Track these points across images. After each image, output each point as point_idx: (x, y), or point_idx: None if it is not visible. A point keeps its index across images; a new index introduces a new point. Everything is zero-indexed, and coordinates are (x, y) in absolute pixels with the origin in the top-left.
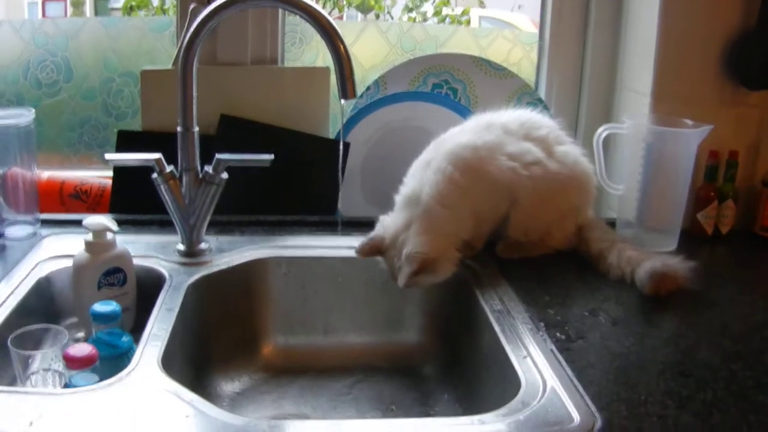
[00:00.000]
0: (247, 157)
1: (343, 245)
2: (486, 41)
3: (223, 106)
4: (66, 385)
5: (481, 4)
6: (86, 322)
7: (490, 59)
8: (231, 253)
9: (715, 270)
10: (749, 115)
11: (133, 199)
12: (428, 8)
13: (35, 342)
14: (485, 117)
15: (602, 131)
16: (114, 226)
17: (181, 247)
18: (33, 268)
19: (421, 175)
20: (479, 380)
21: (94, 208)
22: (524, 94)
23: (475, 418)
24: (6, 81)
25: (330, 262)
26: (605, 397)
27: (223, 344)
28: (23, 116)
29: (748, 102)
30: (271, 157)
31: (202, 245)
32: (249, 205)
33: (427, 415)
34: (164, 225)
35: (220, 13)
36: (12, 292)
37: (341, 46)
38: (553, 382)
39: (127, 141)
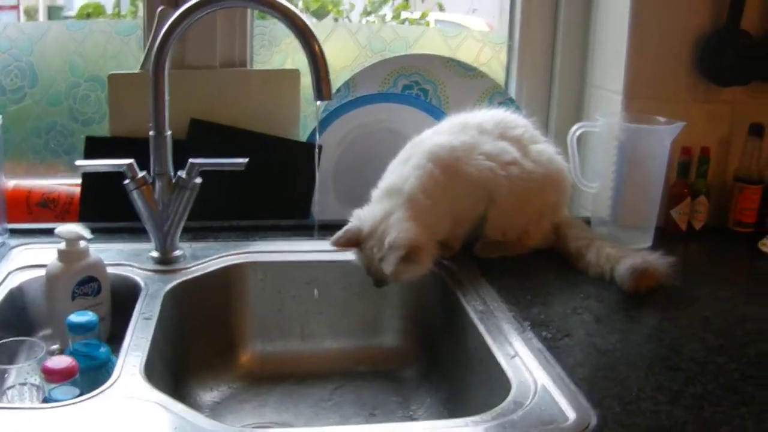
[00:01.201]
0: (221, 162)
1: (319, 249)
2: (455, 42)
3: (192, 110)
4: (45, 400)
5: (441, 8)
6: (61, 334)
7: (460, 60)
8: (206, 259)
9: (691, 266)
10: (720, 111)
11: (103, 207)
12: (387, 12)
13: (10, 355)
14: (459, 117)
15: (576, 129)
16: (87, 234)
17: (154, 254)
18: (3, 280)
19: (400, 170)
20: (464, 382)
21: (63, 217)
22: (495, 94)
23: (469, 419)
24: None
25: (306, 267)
26: (597, 394)
27: (201, 353)
28: None
29: (718, 98)
30: (245, 160)
31: (177, 252)
32: (221, 211)
33: (411, 419)
34: (136, 232)
35: (192, 14)
36: None
37: (316, 47)
38: (543, 380)
39: (95, 147)
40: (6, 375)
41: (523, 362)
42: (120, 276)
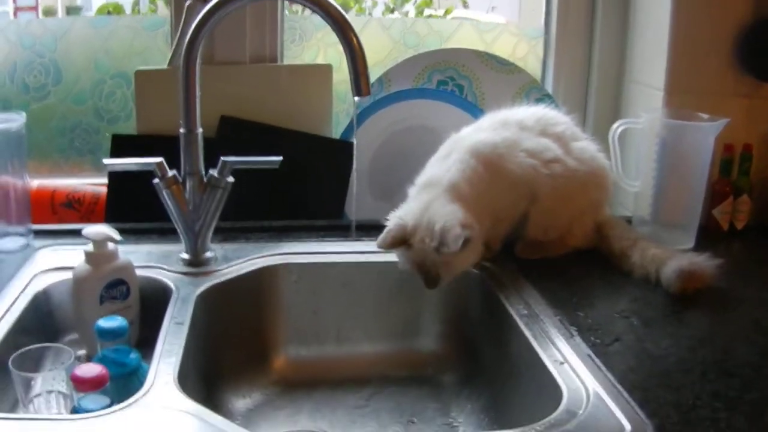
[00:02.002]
0: (255, 160)
1: (354, 250)
2: (491, 36)
3: (221, 107)
4: (74, 410)
5: (465, 4)
6: (88, 339)
7: (497, 54)
8: (238, 261)
9: (736, 267)
10: (761, 106)
11: (131, 207)
12: (410, 9)
13: (36, 362)
14: (500, 114)
15: (618, 126)
16: (116, 236)
17: (185, 256)
18: (28, 283)
19: (440, 165)
20: (508, 389)
21: (88, 217)
22: (532, 90)
23: (524, 429)
24: None
25: (342, 268)
26: (652, 402)
27: (234, 358)
28: (14, 121)
29: (760, 94)
30: (280, 159)
31: (208, 254)
32: (252, 211)
33: (451, 427)
34: (165, 233)
35: (224, 8)
36: (8, 309)
37: (355, 40)
38: (595, 388)
39: (122, 145)
40: (32, 383)
41: (572, 369)
42: (149, 279)
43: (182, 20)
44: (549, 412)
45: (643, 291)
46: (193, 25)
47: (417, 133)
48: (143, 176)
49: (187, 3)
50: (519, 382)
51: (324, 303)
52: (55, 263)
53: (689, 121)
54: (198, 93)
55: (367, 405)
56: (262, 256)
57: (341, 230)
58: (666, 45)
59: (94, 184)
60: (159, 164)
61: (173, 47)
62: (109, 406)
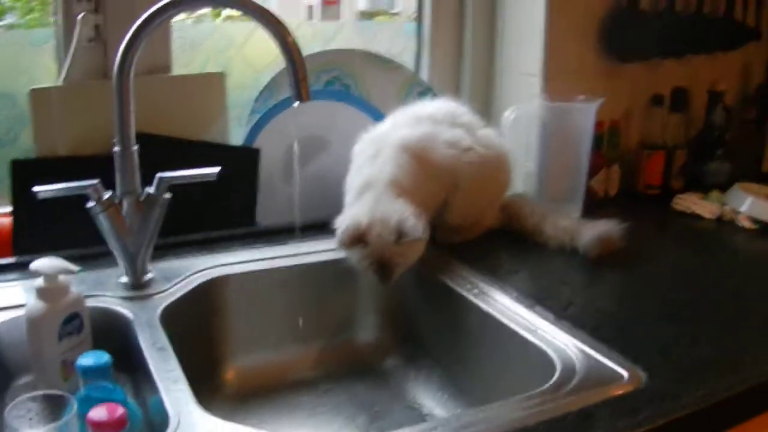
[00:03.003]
0: (191, 173)
1: (284, 254)
2: (369, 34)
3: None
4: None
5: None
6: (49, 380)
7: (378, 53)
8: (178, 279)
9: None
10: (623, 85)
11: (42, 236)
12: None
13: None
14: (409, 110)
15: (510, 113)
16: (73, 267)
17: (124, 280)
18: None
19: (372, 165)
20: (470, 364)
21: None
22: (414, 84)
23: (543, 395)
24: None
25: (275, 273)
26: (631, 350)
27: (192, 375)
28: None
29: (621, 74)
30: (217, 170)
31: (149, 275)
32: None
33: (412, 408)
34: (89, 259)
35: (160, 16)
36: None
37: (294, 47)
38: (579, 347)
39: (23, 172)
40: None
41: (549, 334)
42: (97, 308)
43: (76, 33)
44: (541, 377)
45: (566, 258)
46: (129, 34)
47: (315, 133)
48: (51, 202)
49: (80, 15)
50: (486, 355)
51: (267, 307)
52: None
53: (572, 103)
54: (132, 107)
55: (326, 402)
56: (199, 272)
57: (260, 236)
58: (541, 34)
59: None
60: (94, 187)
61: (68, 62)
62: None
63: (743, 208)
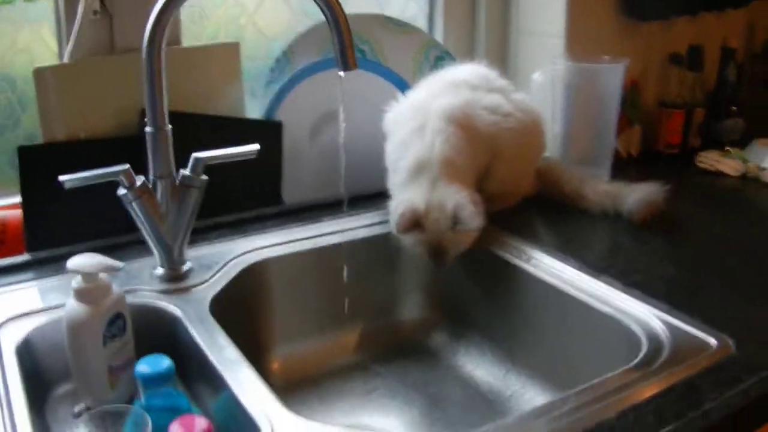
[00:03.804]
0: (231, 152)
1: (322, 233)
2: None
3: (131, 99)
4: None
5: None
6: (93, 389)
7: (393, 18)
8: (215, 267)
9: None
10: (640, 45)
11: (55, 229)
12: None
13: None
14: (445, 76)
15: (539, 76)
16: (117, 264)
17: (160, 271)
18: None
19: (419, 142)
20: (539, 340)
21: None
22: (431, 48)
23: (643, 368)
24: None
25: (314, 253)
26: (713, 318)
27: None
28: None
29: (639, 33)
30: (257, 147)
31: (187, 265)
32: None
33: (477, 391)
34: (114, 250)
35: None
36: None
37: (342, 15)
38: (659, 317)
39: (32, 159)
40: None
41: (624, 305)
42: (138, 305)
43: (81, 6)
44: (625, 351)
45: (609, 224)
46: (158, 6)
47: (333, 101)
48: (65, 192)
49: None
50: (548, 326)
51: (305, 293)
52: (10, 311)
53: (599, 64)
54: (164, 83)
55: (378, 386)
56: (237, 257)
57: (289, 215)
58: None
59: None
60: (126, 172)
61: (72, 37)
62: None
63: (767, 164)
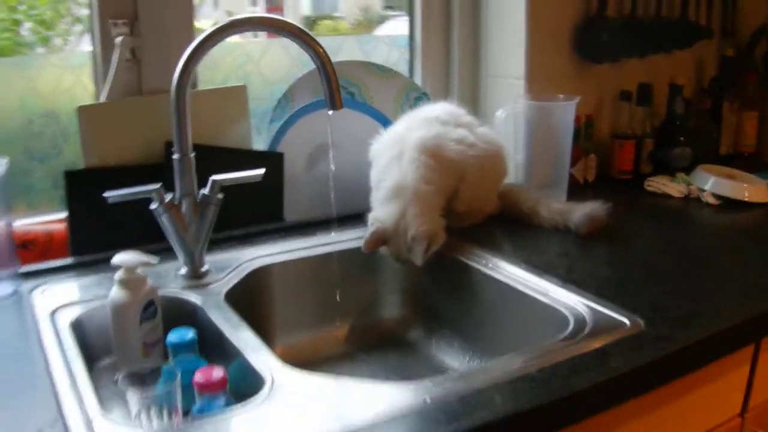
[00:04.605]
0: (240, 175)
1: (316, 244)
2: (368, 47)
3: (158, 133)
4: (200, 410)
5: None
6: (130, 360)
7: (376, 63)
8: (229, 269)
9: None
10: (594, 84)
11: (93, 238)
12: None
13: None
14: (420, 113)
15: (501, 113)
16: (153, 259)
17: (183, 271)
18: (51, 319)
19: (397, 169)
20: (488, 327)
21: (45, 255)
22: (411, 90)
23: (567, 339)
24: None
25: (311, 261)
26: (629, 304)
27: None
28: None
29: (592, 74)
30: (262, 171)
31: (205, 267)
32: None
33: (440, 370)
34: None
35: (215, 38)
36: (60, 342)
37: (329, 65)
38: (586, 303)
39: (74, 180)
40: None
41: (559, 296)
42: (167, 296)
43: (116, 54)
44: (556, 330)
45: (561, 236)
46: (186, 55)
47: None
48: (101, 207)
49: (119, 39)
50: (504, 318)
51: (302, 293)
52: (61, 300)
53: (553, 102)
54: (188, 119)
55: (363, 371)
56: (246, 261)
57: (292, 230)
58: (523, 43)
59: (35, 223)
60: (157, 191)
61: (110, 81)
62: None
63: (707, 187)
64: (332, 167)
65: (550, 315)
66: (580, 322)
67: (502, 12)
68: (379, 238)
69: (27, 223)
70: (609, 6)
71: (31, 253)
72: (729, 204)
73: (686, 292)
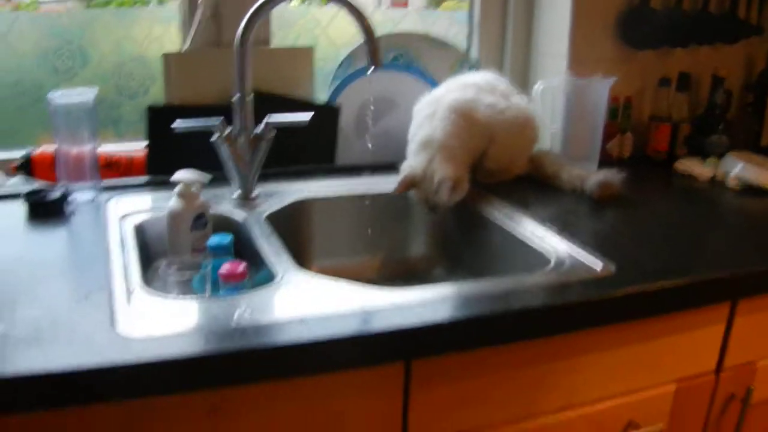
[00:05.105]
0: (290, 118)
1: (356, 184)
2: (430, 21)
3: (229, 79)
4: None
5: None
6: (181, 259)
7: (435, 36)
8: (277, 197)
9: (629, 182)
10: (636, 68)
11: (167, 164)
12: None
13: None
14: (459, 79)
15: (539, 86)
16: (206, 177)
17: (237, 194)
18: (121, 223)
19: (429, 125)
20: (495, 266)
21: (126, 175)
22: (463, 61)
23: (539, 273)
24: (23, 69)
25: (349, 200)
26: (607, 255)
27: None
28: (88, 94)
29: (634, 59)
30: (309, 116)
31: (255, 192)
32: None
33: None
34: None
35: (270, 5)
36: (123, 241)
37: (370, 29)
38: (570, 250)
39: (156, 115)
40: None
41: (551, 243)
42: (218, 213)
43: (199, 11)
44: (547, 265)
45: (575, 198)
46: (248, 14)
47: (385, 95)
48: (173, 139)
49: None
50: (506, 259)
51: (341, 225)
52: (131, 208)
53: (590, 80)
54: (248, 68)
55: None
56: (293, 193)
57: (339, 171)
58: (568, 25)
59: (121, 149)
60: (220, 123)
61: (192, 33)
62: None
63: (734, 172)
64: (369, 121)
65: (539, 257)
66: (560, 264)
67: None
68: (409, 182)
69: (114, 148)
70: None
71: (113, 173)
72: (754, 191)
73: (667, 255)
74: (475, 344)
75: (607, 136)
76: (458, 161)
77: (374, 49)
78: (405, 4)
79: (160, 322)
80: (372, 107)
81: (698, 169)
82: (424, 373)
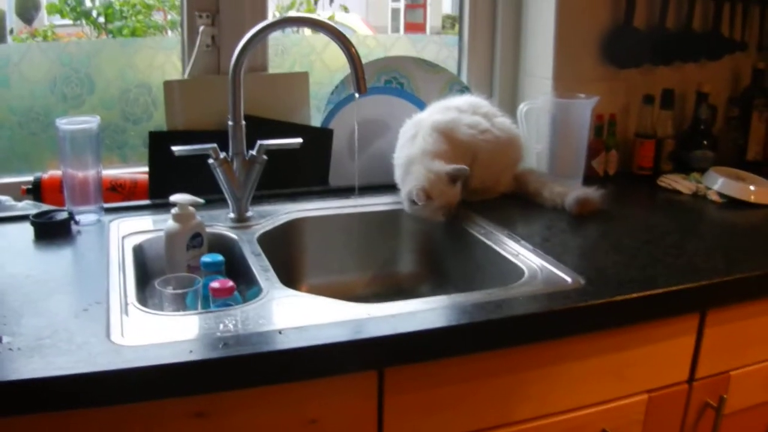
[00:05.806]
0: (282, 142)
1: (347, 205)
2: (420, 45)
3: (227, 106)
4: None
5: (346, 10)
6: (176, 277)
7: (426, 59)
8: (270, 217)
9: (613, 197)
10: (619, 87)
11: (168, 187)
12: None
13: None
14: (441, 102)
15: (523, 106)
16: (200, 200)
17: (232, 215)
18: (121, 243)
19: (411, 145)
20: (476, 281)
21: (130, 198)
22: (454, 84)
23: (511, 286)
24: (35, 96)
25: (340, 219)
26: (579, 268)
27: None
28: (92, 122)
29: (618, 77)
30: (300, 140)
31: (249, 213)
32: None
33: None
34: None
35: (265, 32)
36: (123, 260)
37: (355, 54)
38: (543, 265)
39: (157, 140)
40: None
41: (526, 258)
42: (214, 232)
43: (198, 41)
44: (515, 280)
45: (555, 214)
46: (241, 44)
47: (376, 119)
48: (175, 163)
49: (201, 28)
50: (489, 273)
51: (331, 244)
52: (132, 229)
53: (573, 100)
54: (242, 95)
55: None
56: (285, 214)
57: (331, 193)
58: (552, 47)
59: (126, 173)
60: (214, 149)
61: (191, 62)
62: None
63: (715, 186)
64: (356, 143)
65: (514, 271)
66: (533, 276)
67: (538, 19)
68: (424, 195)
69: (118, 171)
70: (637, 17)
71: (118, 195)
72: (734, 204)
73: (638, 266)
74: (446, 353)
75: (593, 153)
76: (437, 176)
77: (360, 75)
78: (423, 30)
79: (152, 333)
80: (357, 130)
81: (681, 184)
82: (397, 381)
